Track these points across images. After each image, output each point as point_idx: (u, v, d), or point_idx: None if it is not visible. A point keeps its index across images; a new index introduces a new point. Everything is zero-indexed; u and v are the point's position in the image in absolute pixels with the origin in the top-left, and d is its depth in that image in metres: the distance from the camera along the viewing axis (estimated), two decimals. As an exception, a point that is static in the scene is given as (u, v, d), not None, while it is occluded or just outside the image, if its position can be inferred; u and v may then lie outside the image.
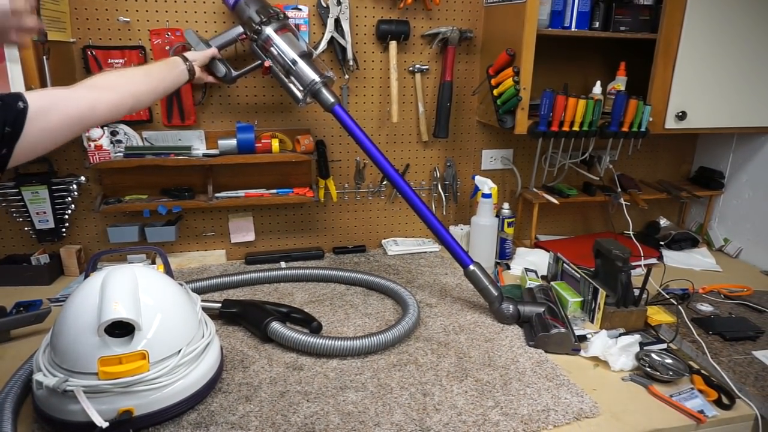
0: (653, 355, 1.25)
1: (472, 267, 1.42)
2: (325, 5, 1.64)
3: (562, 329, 1.29)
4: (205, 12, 1.59)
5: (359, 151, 1.82)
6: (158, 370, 0.99)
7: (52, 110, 0.87)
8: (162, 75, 1.21)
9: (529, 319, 1.39)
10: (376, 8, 1.70)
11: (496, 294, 1.41)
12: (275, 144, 1.67)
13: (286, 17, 1.48)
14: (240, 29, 1.49)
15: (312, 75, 1.42)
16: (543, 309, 1.39)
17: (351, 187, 1.87)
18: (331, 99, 1.44)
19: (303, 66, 1.43)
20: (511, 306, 1.40)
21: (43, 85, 1.30)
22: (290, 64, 1.43)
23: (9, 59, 1.25)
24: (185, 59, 1.31)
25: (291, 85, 1.47)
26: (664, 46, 1.67)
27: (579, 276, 1.49)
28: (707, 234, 2.08)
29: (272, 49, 1.44)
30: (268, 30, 1.42)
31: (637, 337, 1.27)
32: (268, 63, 1.47)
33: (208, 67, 1.44)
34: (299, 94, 1.46)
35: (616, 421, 1.07)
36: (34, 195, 1.59)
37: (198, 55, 1.39)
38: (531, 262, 1.75)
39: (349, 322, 1.42)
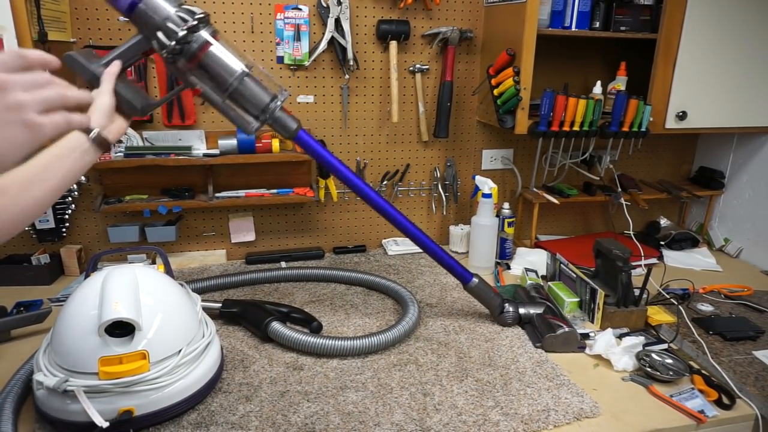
0: (653, 355, 1.25)
1: (474, 281, 1.37)
2: (325, 5, 1.64)
3: (567, 328, 1.29)
4: (205, 12, 1.59)
5: (359, 150, 1.83)
6: (158, 370, 0.99)
7: None
8: (48, 181, 0.76)
9: (529, 320, 1.39)
10: (376, 8, 1.70)
11: (498, 303, 1.40)
12: (275, 144, 1.67)
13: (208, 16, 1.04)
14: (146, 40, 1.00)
15: (268, 94, 1.07)
16: (542, 309, 1.39)
17: (351, 187, 1.87)
18: (294, 124, 1.13)
19: (255, 83, 1.06)
20: (511, 310, 1.39)
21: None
22: (236, 81, 1.03)
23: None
24: (87, 130, 0.82)
25: (234, 112, 1.07)
26: (665, 45, 1.67)
27: (575, 276, 1.49)
28: (707, 234, 2.08)
29: (208, 63, 1.01)
30: (204, 34, 1.00)
31: (641, 339, 1.27)
32: (200, 88, 1.04)
33: (116, 100, 0.92)
34: (252, 122, 1.08)
35: (616, 421, 1.07)
36: (35, 195, 1.59)
37: (101, 107, 0.88)
38: (531, 262, 1.75)
39: (349, 322, 1.42)
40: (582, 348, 1.29)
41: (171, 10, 0.97)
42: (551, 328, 1.30)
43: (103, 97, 0.89)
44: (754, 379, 1.18)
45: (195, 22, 0.97)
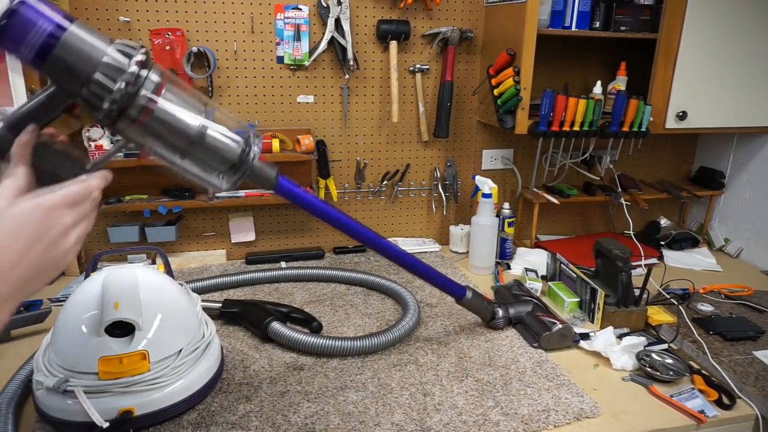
0: (654, 355, 1.25)
1: (468, 296, 1.33)
2: (325, 5, 1.64)
3: (561, 324, 1.29)
4: (205, 12, 1.59)
5: (359, 150, 1.83)
6: (158, 369, 0.99)
7: None
8: None
9: (519, 320, 1.39)
10: (376, 8, 1.70)
11: (489, 310, 1.38)
12: (275, 144, 1.66)
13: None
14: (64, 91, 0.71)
15: (238, 144, 0.81)
16: (531, 307, 1.39)
17: (351, 187, 1.87)
18: (273, 171, 0.93)
19: (223, 133, 0.80)
20: (501, 314, 1.38)
21: (44, 85, 1.30)
22: (197, 136, 0.77)
23: (9, 59, 1.26)
24: None
25: (196, 168, 0.85)
26: (665, 45, 1.66)
27: (575, 276, 1.49)
28: (708, 234, 2.08)
29: (156, 124, 0.73)
30: (154, 77, 0.71)
31: (642, 340, 1.26)
32: (148, 149, 0.79)
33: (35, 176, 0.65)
34: (221, 183, 0.85)
35: (616, 421, 1.06)
36: (35, 195, 1.59)
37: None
38: (531, 262, 1.75)
39: (349, 322, 1.42)
40: (577, 341, 1.29)
41: (103, 50, 0.67)
42: (546, 326, 1.30)
43: (18, 180, 0.63)
44: (754, 379, 1.18)
45: (135, 69, 0.68)
